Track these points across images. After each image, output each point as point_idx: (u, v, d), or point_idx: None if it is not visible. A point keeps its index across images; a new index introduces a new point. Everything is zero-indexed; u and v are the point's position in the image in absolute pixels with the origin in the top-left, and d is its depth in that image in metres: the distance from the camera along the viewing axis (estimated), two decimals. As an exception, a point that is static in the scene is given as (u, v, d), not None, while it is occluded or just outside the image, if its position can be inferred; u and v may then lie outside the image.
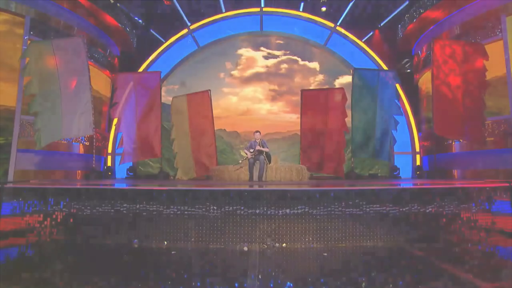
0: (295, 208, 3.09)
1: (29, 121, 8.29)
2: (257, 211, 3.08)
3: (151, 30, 12.98)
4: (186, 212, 3.11)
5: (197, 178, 10.19)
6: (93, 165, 9.13)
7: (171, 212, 3.13)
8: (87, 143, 10.38)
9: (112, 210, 3.23)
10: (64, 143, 9.50)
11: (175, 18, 12.67)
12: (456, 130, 8.68)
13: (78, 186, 3.52)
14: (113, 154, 11.53)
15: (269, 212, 3.07)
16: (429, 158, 11.03)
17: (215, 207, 3.10)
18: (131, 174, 11.18)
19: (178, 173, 10.21)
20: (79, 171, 10.29)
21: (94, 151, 9.14)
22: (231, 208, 3.08)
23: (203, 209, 3.11)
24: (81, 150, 10.23)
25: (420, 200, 3.29)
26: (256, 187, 4.09)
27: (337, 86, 12.07)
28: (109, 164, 11.54)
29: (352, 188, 3.36)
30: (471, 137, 8.57)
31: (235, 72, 12.77)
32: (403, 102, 11.36)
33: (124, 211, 3.19)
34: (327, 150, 9.75)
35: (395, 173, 10.70)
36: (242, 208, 3.07)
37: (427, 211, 3.25)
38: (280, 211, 3.08)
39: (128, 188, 3.30)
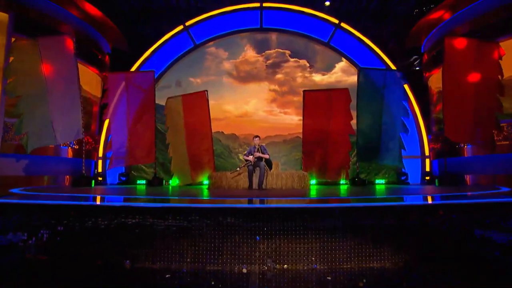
0: (297, 227, 3.04)
1: (14, 123, 8.19)
2: (257, 230, 3.03)
3: (145, 27, 12.94)
4: (181, 231, 3.06)
5: (193, 183, 10.20)
6: (83, 170, 9.05)
7: (165, 231, 3.08)
8: (76, 147, 10.34)
9: (102, 226, 3.18)
10: (51, 147, 9.44)
11: (170, 13, 12.64)
12: (468, 133, 8.60)
13: (64, 202, 3.46)
14: (104, 158, 11.50)
15: (269, 231, 3.02)
16: (439, 162, 10.96)
17: (211, 226, 3.05)
18: (124, 179, 11.18)
19: (174, 178, 10.21)
20: (68, 176, 10.22)
21: (83, 155, 9.05)
22: (229, 227, 3.03)
23: (199, 228, 3.06)
24: (70, 154, 10.19)
25: (432, 217, 3.23)
26: (256, 203, 4.03)
27: (341, 86, 11.95)
28: (99, 169, 11.53)
29: (358, 204, 3.31)
30: (483, 141, 8.49)
31: (233, 71, 12.75)
32: (411, 103, 11.30)
33: (115, 230, 3.14)
34: (331, 154, 9.75)
35: (402, 178, 10.66)
36: (241, 227, 3.02)
37: (441, 228, 3.20)
38: (281, 230, 3.03)
39: (119, 206, 3.24)
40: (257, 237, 3.00)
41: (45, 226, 3.20)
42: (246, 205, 3.35)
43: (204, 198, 4.84)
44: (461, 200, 3.64)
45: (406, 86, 9.72)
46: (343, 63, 12.41)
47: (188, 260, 3.02)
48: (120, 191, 6.85)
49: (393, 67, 11.59)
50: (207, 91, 10.20)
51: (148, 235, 3.09)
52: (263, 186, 7.64)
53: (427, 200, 4.28)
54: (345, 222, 3.10)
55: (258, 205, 3.39)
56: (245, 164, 7.79)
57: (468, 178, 9.80)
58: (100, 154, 11.62)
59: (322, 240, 3.03)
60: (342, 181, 10.52)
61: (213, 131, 10.45)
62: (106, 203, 3.76)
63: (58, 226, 3.18)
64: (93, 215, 3.19)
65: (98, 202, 4.09)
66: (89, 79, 11.31)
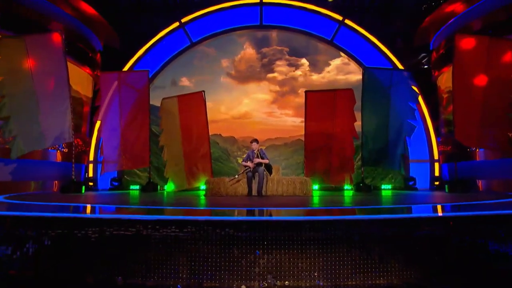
0: (299, 241, 3.00)
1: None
2: (257, 244, 2.98)
3: (139, 23, 12.90)
4: (176, 245, 3.02)
5: (189, 189, 10.18)
6: (72, 175, 9.01)
7: (159, 244, 3.03)
8: (65, 150, 10.31)
9: (93, 239, 3.13)
10: (39, 150, 9.36)
11: (165, 10, 12.63)
12: (480, 136, 8.52)
13: (52, 215, 3.41)
14: (95, 162, 11.51)
15: (270, 245, 2.98)
16: (449, 166, 10.97)
17: (208, 240, 3.00)
18: (116, 184, 11.17)
19: (169, 183, 10.21)
20: (56, 181, 10.17)
21: (73, 159, 9.00)
22: (227, 241, 2.99)
23: (195, 242, 3.02)
24: (59, 157, 10.19)
25: (442, 229, 3.19)
26: (255, 214, 3.97)
27: (345, 86, 11.82)
28: (90, 173, 11.53)
29: (365, 217, 3.27)
30: (496, 144, 8.44)
31: (232, 71, 12.80)
32: (419, 103, 11.27)
33: (106, 243, 3.09)
34: (334, 157, 9.76)
35: (410, 184, 10.64)
36: (240, 241, 2.98)
37: (452, 242, 3.15)
38: (283, 244, 2.99)
39: (110, 219, 3.19)
40: (257, 251, 2.96)
41: (31, 239, 3.15)
42: (244, 218, 3.30)
43: (201, 208, 4.79)
44: (475, 212, 3.59)
45: (413, 87, 9.69)
46: (347, 62, 12.43)
47: (184, 276, 2.97)
48: (112, 198, 6.78)
49: (400, 66, 11.61)
50: (204, 91, 10.20)
51: (141, 249, 3.04)
52: (263, 193, 7.60)
53: (437, 210, 4.23)
54: (350, 235, 3.05)
55: (257, 218, 3.35)
56: (243, 171, 7.76)
57: (480, 183, 9.75)
58: (91, 157, 11.61)
59: (326, 255, 2.98)
60: (347, 186, 10.54)
61: (210, 133, 10.47)
62: (96, 216, 3.72)
63: (45, 240, 3.13)
64: (83, 227, 3.13)
65: (88, 214, 4.05)
66: (80, 78, 11.30)
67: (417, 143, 10.52)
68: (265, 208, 4.57)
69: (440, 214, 3.69)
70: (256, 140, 7.92)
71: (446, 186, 8.78)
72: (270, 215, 3.87)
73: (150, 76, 10.67)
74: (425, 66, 12.12)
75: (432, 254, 3.10)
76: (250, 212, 4.14)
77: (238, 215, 3.62)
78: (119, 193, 9.27)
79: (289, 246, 2.98)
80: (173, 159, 10.04)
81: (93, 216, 3.58)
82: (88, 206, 4.91)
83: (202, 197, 7.37)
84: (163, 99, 10.40)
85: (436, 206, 4.80)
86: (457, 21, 10.66)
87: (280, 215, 3.72)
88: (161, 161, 10.52)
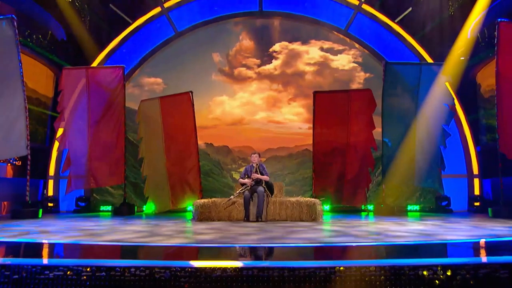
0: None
1: None
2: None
3: (111, 6, 12.55)
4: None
5: (174, 210, 10.09)
6: (27, 195, 8.70)
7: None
8: (18, 163, 10.22)
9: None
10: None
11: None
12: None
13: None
14: (56, 177, 11.28)
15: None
16: (492, 182, 10.73)
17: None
18: (83, 205, 10.93)
19: (149, 204, 10.11)
20: (6, 202, 9.95)
21: (28, 174, 8.72)
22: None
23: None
24: (9, 173, 10.04)
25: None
26: (260, 257, 3.69)
27: (362, 86, 11.96)
28: (50, 192, 11.25)
29: (400, 263, 2.84)
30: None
31: (225, 67, 12.62)
32: (455, 105, 10.79)
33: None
34: (349, 172, 9.72)
35: (443, 204, 10.36)
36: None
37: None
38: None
39: (67, 266, 2.72)
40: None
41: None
42: (238, 264, 2.89)
43: (182, 244, 4.51)
44: None
45: (448, 86, 9.44)
46: (365, 56, 12.27)
47: None
48: (75, 227, 6.43)
49: (429, 59, 11.44)
50: (191, 92, 10.04)
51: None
52: (263, 217, 7.56)
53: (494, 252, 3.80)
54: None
55: (256, 264, 2.90)
56: (241, 190, 7.71)
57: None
58: (51, 172, 11.35)
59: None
60: (364, 208, 10.53)
61: (199, 142, 10.39)
62: (51, 263, 3.20)
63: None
64: (32, 279, 2.72)
65: (43, 259, 3.55)
66: (37, 75, 11.18)
67: (451, 153, 10.16)
68: (265, 245, 4.28)
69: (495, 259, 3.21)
70: (256, 153, 8.08)
71: (490, 210, 8.48)
72: (271, 258, 3.64)
73: (126, 73, 10.55)
74: (461, 58, 11.72)
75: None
76: (244, 253, 3.93)
77: (229, 260, 3.17)
78: (86, 216, 9.10)
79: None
80: (154, 174, 9.98)
81: (48, 264, 3.07)
82: (45, 247, 4.41)
83: (188, 223, 7.29)
84: (142, 101, 10.34)
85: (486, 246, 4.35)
86: (502, 2, 10.36)
87: (284, 261, 3.30)
88: (139, 176, 10.48)
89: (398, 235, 4.95)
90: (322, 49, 12.43)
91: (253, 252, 3.96)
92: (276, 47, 12.53)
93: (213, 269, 2.72)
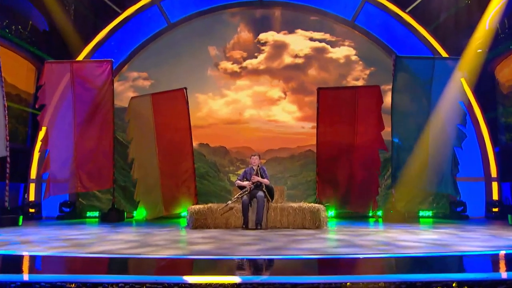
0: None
1: None
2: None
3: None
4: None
5: (167, 216, 10.08)
6: (6, 200, 8.70)
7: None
8: None
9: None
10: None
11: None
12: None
13: None
14: (39, 181, 11.16)
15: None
16: None
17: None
18: (67, 210, 10.84)
19: (140, 209, 10.12)
20: None
21: (8, 177, 8.72)
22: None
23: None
24: None
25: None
26: (257, 271, 3.70)
27: (370, 82, 11.88)
28: (32, 196, 11.14)
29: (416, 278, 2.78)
30: None
31: (223, 62, 12.57)
32: (471, 103, 11.01)
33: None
34: (356, 175, 9.72)
35: (458, 210, 10.32)
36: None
37: None
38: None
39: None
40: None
41: None
42: (236, 279, 2.90)
43: (175, 256, 4.50)
44: None
45: (463, 80, 9.37)
46: (373, 49, 12.19)
47: None
48: (59, 236, 6.41)
49: (443, 53, 11.36)
50: (186, 88, 10.03)
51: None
52: (263, 225, 7.56)
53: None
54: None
55: (256, 280, 2.90)
56: (239, 195, 7.65)
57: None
58: (33, 175, 11.25)
59: None
60: (372, 213, 10.46)
61: (194, 143, 10.41)
62: (33, 279, 3.21)
63: None
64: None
65: (24, 274, 3.55)
66: (17, 69, 11.09)
67: (467, 155, 10.07)
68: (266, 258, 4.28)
69: None
70: (257, 155, 8.08)
71: (510, 216, 8.44)
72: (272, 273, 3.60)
73: (114, 68, 10.48)
74: (479, 50, 11.72)
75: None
76: (252, 265, 3.91)
77: (231, 271, 3.15)
78: (70, 224, 9.05)
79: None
80: (145, 177, 10.01)
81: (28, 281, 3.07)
82: (25, 262, 4.39)
83: (182, 231, 7.38)
84: (132, 98, 10.36)
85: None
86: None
87: (287, 276, 3.29)
88: (129, 179, 10.49)
89: (409, 246, 4.95)
90: (326, 41, 12.35)
91: (252, 265, 3.96)
92: (277, 39, 12.46)
93: (208, 285, 2.72)
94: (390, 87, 9.72)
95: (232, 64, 12.53)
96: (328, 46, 12.40)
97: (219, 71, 12.53)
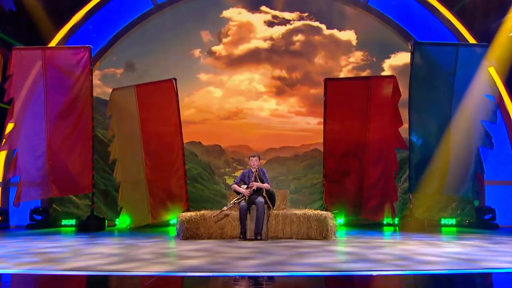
0: None
1: None
2: None
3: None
4: None
5: (154, 224, 10.10)
6: None
7: None
8: None
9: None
10: None
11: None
12: None
13: None
14: (6, 185, 11.09)
15: None
16: None
17: None
18: (39, 218, 10.77)
19: (123, 216, 10.11)
20: None
21: None
22: None
23: None
24: None
25: None
26: None
27: (385, 72, 11.94)
28: None
29: None
30: None
31: (218, 48, 12.57)
32: (502, 96, 10.91)
33: None
34: (369, 178, 9.75)
35: (486, 218, 10.28)
36: None
37: None
38: None
39: None
40: None
41: None
42: None
43: (163, 273, 4.45)
44: None
45: (493, 72, 9.33)
46: (389, 34, 12.19)
47: None
48: (29, 249, 6.38)
49: (470, 38, 11.32)
50: (175, 79, 10.03)
51: None
52: (263, 235, 7.51)
53: None
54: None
55: None
56: (235, 200, 7.66)
57: None
58: None
59: None
60: (388, 221, 10.37)
61: (185, 141, 10.41)
62: None
63: None
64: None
65: None
66: None
67: (496, 154, 10.15)
68: (269, 275, 4.29)
69: None
70: (256, 155, 8.08)
71: None
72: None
73: (93, 55, 10.49)
74: (510, 34, 11.70)
75: None
76: (250, 284, 3.92)
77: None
78: (43, 234, 9.03)
79: None
80: (130, 180, 10.06)
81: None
82: None
83: (171, 242, 7.41)
84: (114, 90, 10.36)
85: None
86: None
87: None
88: (111, 182, 10.62)
89: (430, 261, 4.94)
90: (335, 26, 12.37)
91: (251, 284, 3.97)
92: (280, 23, 12.46)
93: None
94: (407, 77, 9.73)
95: (228, 52, 12.52)
96: (337, 31, 12.41)
97: (213, 59, 12.52)
